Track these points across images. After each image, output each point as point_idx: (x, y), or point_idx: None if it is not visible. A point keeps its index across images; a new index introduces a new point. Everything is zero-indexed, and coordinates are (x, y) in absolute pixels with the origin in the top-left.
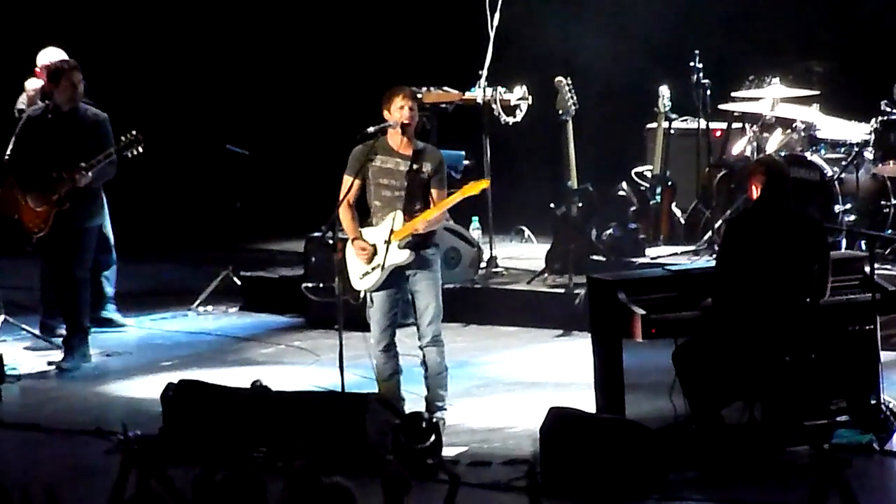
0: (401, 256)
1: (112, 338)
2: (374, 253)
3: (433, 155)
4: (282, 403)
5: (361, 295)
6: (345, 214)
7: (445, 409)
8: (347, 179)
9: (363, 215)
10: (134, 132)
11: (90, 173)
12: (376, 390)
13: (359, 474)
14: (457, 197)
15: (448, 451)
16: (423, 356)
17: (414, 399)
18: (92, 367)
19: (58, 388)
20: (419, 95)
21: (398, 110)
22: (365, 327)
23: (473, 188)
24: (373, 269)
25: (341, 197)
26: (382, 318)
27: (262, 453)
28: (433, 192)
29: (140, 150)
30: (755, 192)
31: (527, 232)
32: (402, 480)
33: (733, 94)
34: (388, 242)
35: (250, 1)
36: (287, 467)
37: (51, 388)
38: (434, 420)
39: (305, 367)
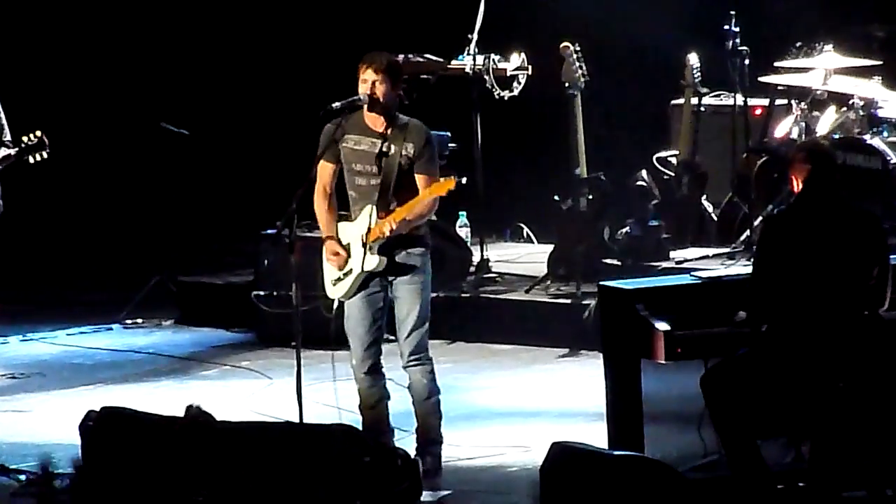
0: (371, 262)
1: (20, 356)
2: (349, 256)
3: (415, 133)
4: (227, 437)
5: (335, 305)
6: (319, 207)
7: (439, 444)
8: (321, 163)
9: (343, 206)
10: (38, 134)
11: None
12: (341, 420)
13: None
14: (420, 200)
15: (428, 496)
16: (409, 378)
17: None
18: None
19: None
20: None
21: (361, 83)
22: (331, 344)
23: (440, 188)
24: (345, 274)
25: (317, 185)
26: (364, 333)
27: (202, 497)
28: (419, 178)
29: (44, 155)
30: (797, 184)
31: (526, 230)
32: None
33: (777, 63)
34: (364, 245)
35: None
36: None
37: None
38: (412, 457)
39: (256, 392)
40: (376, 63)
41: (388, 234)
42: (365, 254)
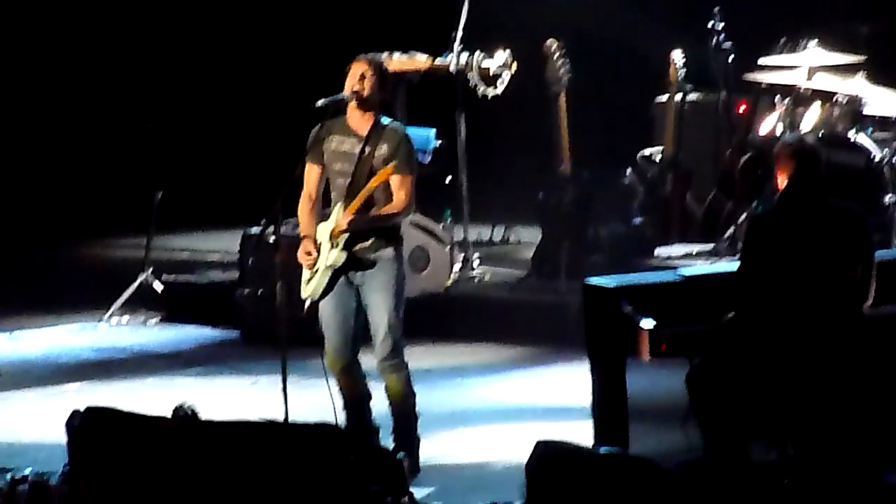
0: (332, 258)
1: (5, 354)
2: (319, 254)
3: (391, 133)
4: (211, 436)
5: (307, 305)
6: (302, 207)
7: (416, 446)
8: (307, 166)
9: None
10: None
11: None
12: (333, 420)
13: None
14: (365, 193)
15: (414, 493)
16: (383, 382)
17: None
18: None
19: None
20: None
21: (350, 79)
22: (314, 342)
23: (381, 176)
24: (314, 272)
25: (304, 186)
26: (334, 333)
27: (188, 495)
28: (392, 179)
29: None
30: (782, 181)
31: (509, 227)
32: None
33: (761, 60)
34: (330, 240)
35: None
36: None
37: None
38: (398, 456)
39: (241, 390)
40: (366, 62)
41: (346, 226)
42: (330, 250)
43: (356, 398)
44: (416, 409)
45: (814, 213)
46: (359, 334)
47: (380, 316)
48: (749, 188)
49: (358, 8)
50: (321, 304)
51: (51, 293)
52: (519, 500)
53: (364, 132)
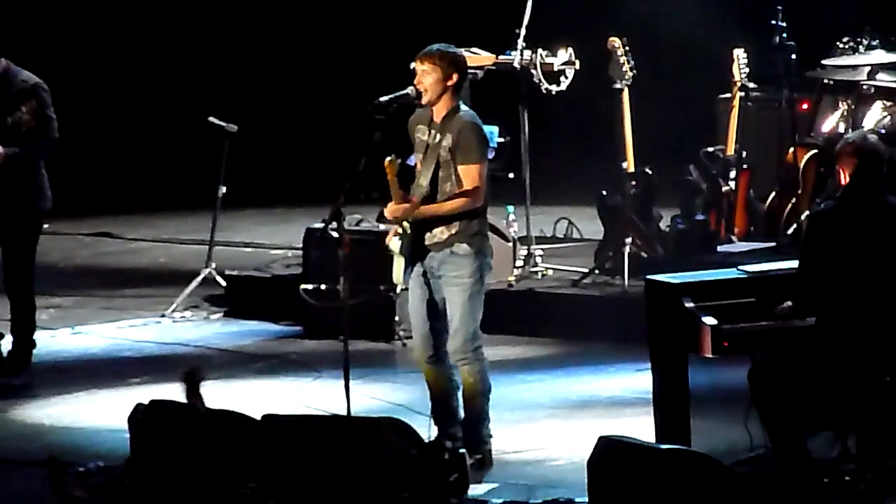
0: (393, 245)
1: (69, 349)
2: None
3: (455, 122)
4: (275, 429)
5: (399, 289)
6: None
7: (487, 441)
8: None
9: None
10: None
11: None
12: (388, 414)
13: None
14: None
15: (477, 489)
16: (459, 375)
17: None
18: (45, 385)
19: (3, 410)
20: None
21: (414, 76)
22: (376, 336)
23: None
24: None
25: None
26: (420, 323)
27: (251, 489)
28: (459, 168)
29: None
30: (843, 178)
31: (572, 224)
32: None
33: (824, 59)
34: (403, 229)
35: None
36: None
37: None
38: (460, 451)
39: (304, 385)
40: (424, 56)
41: (395, 217)
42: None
43: (441, 390)
44: (487, 406)
45: (874, 211)
46: (444, 325)
47: (452, 310)
48: (811, 186)
49: (422, 5)
50: (410, 295)
51: (114, 288)
52: (581, 496)
53: (435, 121)
